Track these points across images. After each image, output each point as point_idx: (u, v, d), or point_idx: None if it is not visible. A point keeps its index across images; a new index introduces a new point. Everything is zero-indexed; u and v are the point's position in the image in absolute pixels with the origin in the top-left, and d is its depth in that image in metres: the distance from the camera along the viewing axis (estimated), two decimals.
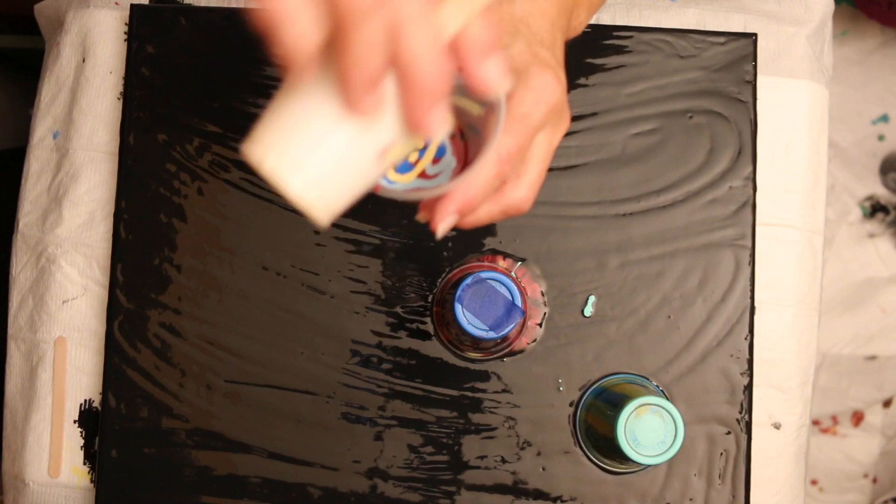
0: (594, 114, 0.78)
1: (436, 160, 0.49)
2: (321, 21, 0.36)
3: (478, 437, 0.75)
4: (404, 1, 0.36)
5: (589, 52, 0.78)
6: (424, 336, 0.76)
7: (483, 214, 0.47)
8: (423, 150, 0.50)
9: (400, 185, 0.48)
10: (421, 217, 0.47)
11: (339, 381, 0.76)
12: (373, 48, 0.36)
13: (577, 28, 0.53)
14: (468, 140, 0.50)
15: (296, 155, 0.40)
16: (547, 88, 0.45)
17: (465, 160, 0.50)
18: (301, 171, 0.40)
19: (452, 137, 0.50)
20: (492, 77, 0.40)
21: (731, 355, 0.75)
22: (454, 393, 0.76)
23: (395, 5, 0.36)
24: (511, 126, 0.44)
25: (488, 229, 0.77)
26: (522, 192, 0.47)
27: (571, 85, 0.78)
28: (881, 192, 1.61)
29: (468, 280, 0.67)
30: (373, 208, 0.77)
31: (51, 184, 0.82)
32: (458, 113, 0.48)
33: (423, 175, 0.49)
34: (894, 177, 1.61)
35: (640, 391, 0.69)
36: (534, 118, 0.45)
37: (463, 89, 0.44)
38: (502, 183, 0.47)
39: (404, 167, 0.49)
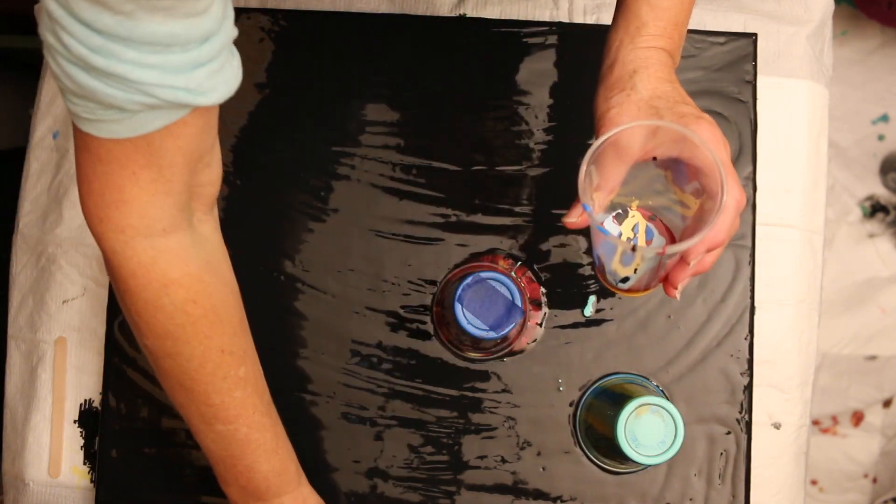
0: None
1: (648, 242, 0.62)
2: None
3: (478, 437, 0.75)
4: None
5: (591, 52, 0.78)
6: (424, 336, 0.76)
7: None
8: (635, 239, 0.61)
9: (632, 277, 0.61)
10: (672, 290, 0.58)
11: (339, 381, 0.76)
12: None
13: (678, 64, 0.61)
14: (661, 218, 0.63)
15: None
16: (712, 133, 0.54)
17: (669, 234, 0.62)
18: None
19: (652, 220, 0.62)
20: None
21: (731, 355, 0.75)
22: (454, 393, 0.76)
23: None
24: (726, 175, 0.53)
25: (487, 229, 0.77)
26: (736, 193, 0.55)
27: (576, 84, 0.78)
28: (881, 192, 1.61)
29: (468, 280, 0.67)
30: (372, 207, 0.77)
31: (51, 184, 0.82)
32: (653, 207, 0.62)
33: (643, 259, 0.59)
34: (894, 177, 1.61)
35: (640, 391, 0.69)
36: (727, 160, 0.54)
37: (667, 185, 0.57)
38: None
39: (627, 259, 0.59)
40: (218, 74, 0.47)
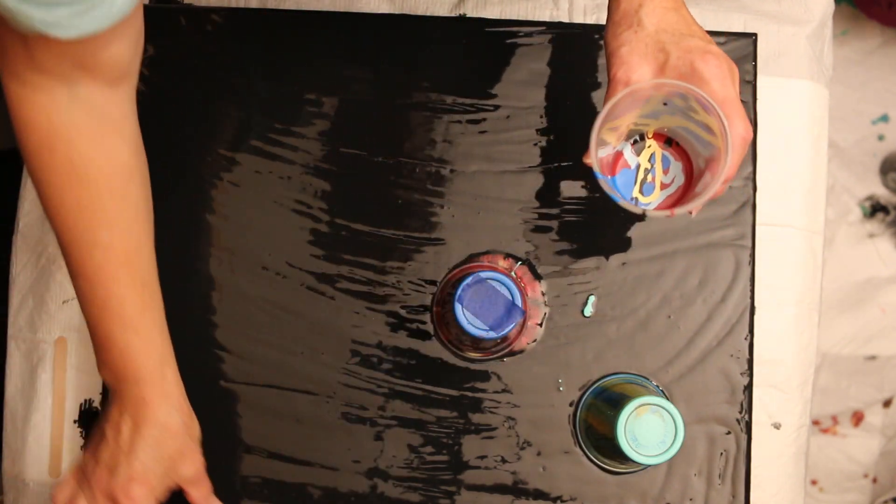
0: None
1: (665, 171, 0.64)
2: None
3: (478, 437, 0.75)
4: None
5: (591, 52, 0.78)
6: (424, 336, 0.76)
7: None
8: (652, 170, 0.63)
9: (653, 203, 0.64)
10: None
11: (339, 381, 0.76)
12: None
13: None
14: (678, 142, 0.64)
15: None
16: (718, 67, 0.56)
17: (686, 157, 0.64)
18: None
19: (668, 146, 0.64)
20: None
21: (731, 355, 0.75)
22: (454, 393, 0.76)
23: None
24: (728, 112, 0.55)
25: (487, 229, 0.77)
26: (741, 130, 0.57)
27: (576, 84, 0.78)
28: (881, 192, 1.61)
29: (468, 280, 0.67)
30: (372, 208, 0.77)
31: None
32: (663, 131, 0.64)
33: (662, 186, 0.63)
34: (894, 177, 1.61)
35: (640, 391, 0.69)
36: (732, 94, 0.56)
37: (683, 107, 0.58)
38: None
39: (647, 189, 0.62)
40: (83, 15, 0.48)
